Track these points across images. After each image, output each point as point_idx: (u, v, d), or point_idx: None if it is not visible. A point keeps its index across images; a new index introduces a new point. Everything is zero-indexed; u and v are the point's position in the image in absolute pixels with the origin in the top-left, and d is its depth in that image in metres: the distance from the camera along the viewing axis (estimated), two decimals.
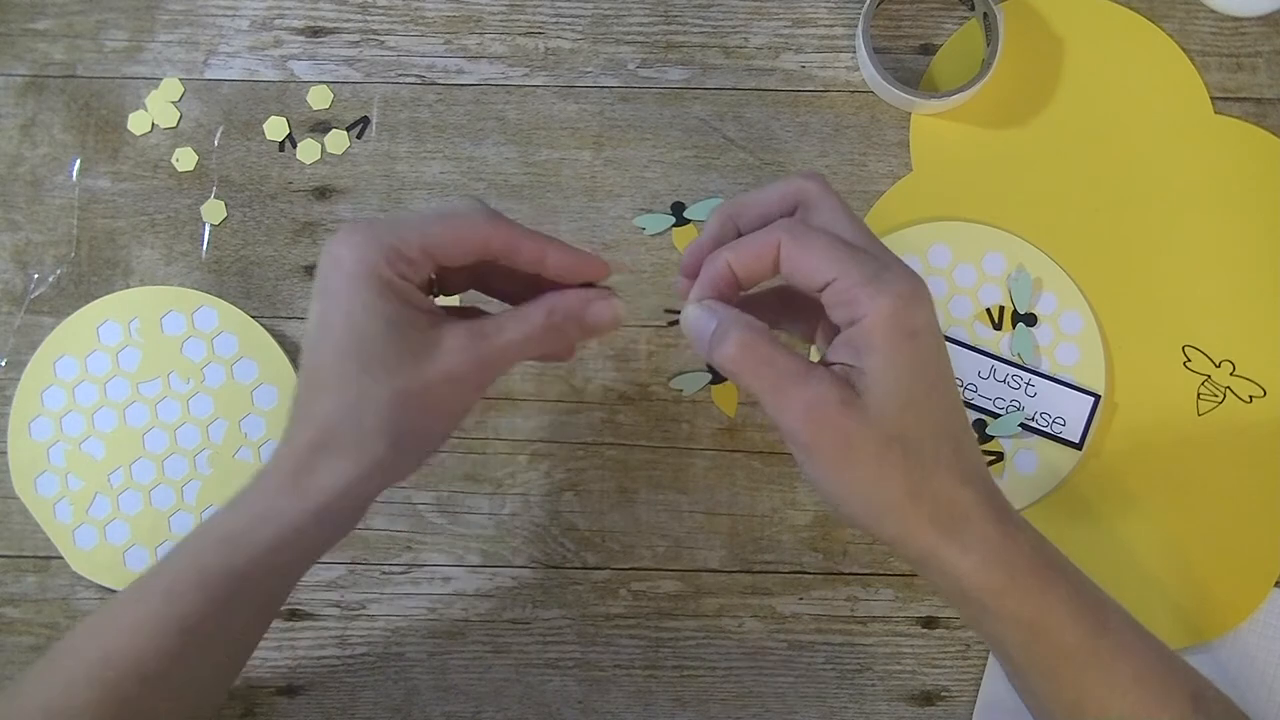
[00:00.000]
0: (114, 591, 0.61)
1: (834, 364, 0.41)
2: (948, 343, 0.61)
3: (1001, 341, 0.61)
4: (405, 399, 0.42)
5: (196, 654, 0.43)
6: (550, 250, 0.45)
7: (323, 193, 0.64)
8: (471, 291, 0.48)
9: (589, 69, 0.64)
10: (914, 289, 0.40)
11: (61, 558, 0.61)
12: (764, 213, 0.44)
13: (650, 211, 0.63)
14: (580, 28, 0.65)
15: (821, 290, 0.41)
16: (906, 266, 0.41)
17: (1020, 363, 0.61)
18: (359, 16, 0.65)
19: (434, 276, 0.46)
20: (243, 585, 0.43)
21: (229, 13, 0.65)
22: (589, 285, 0.46)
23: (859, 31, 0.62)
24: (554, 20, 0.65)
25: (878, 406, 0.40)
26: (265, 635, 0.60)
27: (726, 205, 0.45)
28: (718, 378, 0.62)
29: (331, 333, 0.42)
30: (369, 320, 0.42)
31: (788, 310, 0.47)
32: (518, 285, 0.46)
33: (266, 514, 0.42)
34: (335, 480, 0.42)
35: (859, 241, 0.42)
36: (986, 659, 0.61)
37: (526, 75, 0.64)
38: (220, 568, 0.42)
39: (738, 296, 0.44)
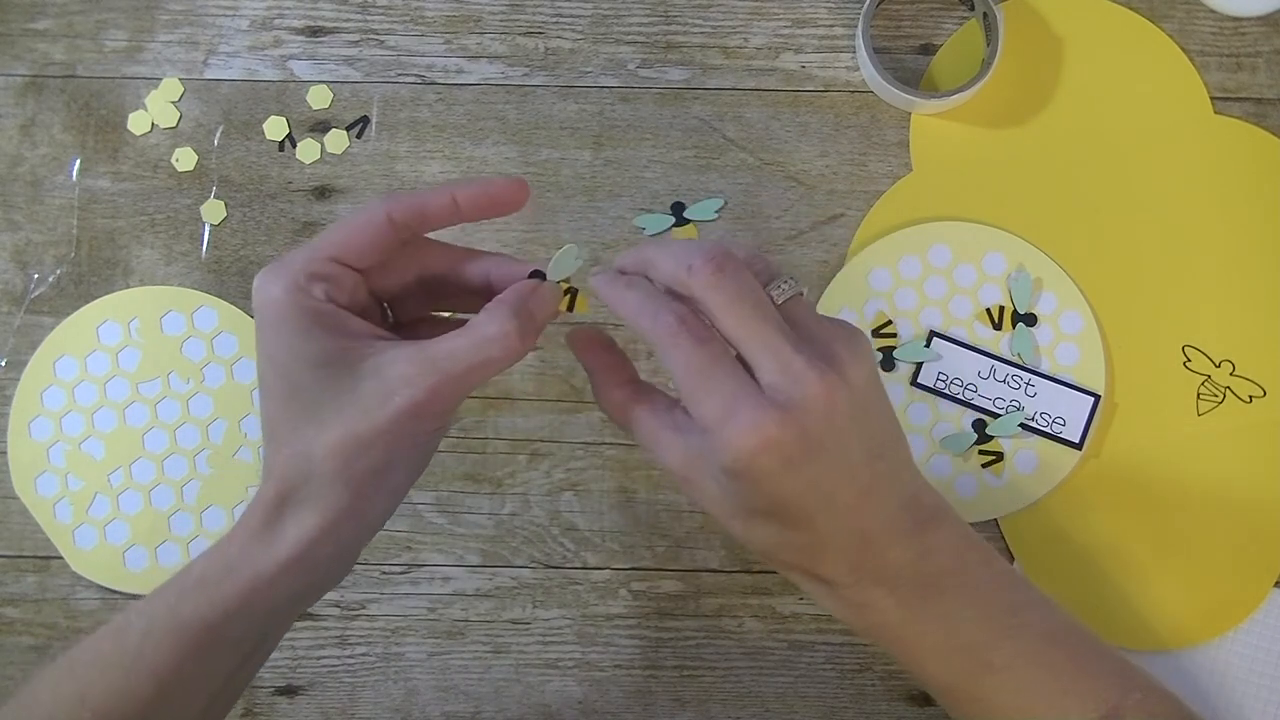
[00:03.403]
0: (114, 592, 0.61)
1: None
2: (949, 343, 0.61)
3: (1001, 341, 0.61)
4: (354, 443, 0.40)
5: (173, 700, 0.42)
6: (457, 192, 0.43)
7: (322, 192, 0.64)
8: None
9: (589, 69, 0.64)
10: (760, 441, 0.38)
11: (61, 558, 0.61)
12: (672, 275, 0.42)
13: (650, 211, 0.63)
14: (580, 28, 0.65)
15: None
16: (787, 381, 0.39)
17: (1020, 363, 0.61)
18: (359, 16, 0.65)
19: (384, 305, 0.45)
20: (217, 634, 0.41)
21: (229, 13, 0.65)
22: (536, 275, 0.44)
23: (859, 31, 0.62)
24: (554, 20, 0.65)
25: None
26: None
27: (639, 255, 0.43)
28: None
29: (269, 385, 0.41)
30: (298, 367, 0.40)
31: None
32: (472, 297, 0.45)
33: (239, 564, 0.41)
34: (302, 531, 0.41)
35: (742, 338, 0.40)
36: None
37: (526, 75, 0.64)
38: (194, 616, 0.41)
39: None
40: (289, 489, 0.41)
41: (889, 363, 0.61)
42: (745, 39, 0.64)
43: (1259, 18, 0.64)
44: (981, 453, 0.61)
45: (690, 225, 0.63)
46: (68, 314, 0.62)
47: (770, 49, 0.64)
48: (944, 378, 0.61)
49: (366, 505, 0.42)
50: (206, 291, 0.63)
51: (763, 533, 0.42)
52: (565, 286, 0.44)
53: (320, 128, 0.64)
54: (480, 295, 0.44)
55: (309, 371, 0.40)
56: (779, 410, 0.38)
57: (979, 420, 0.61)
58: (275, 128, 0.64)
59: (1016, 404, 0.61)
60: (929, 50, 0.64)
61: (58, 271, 0.63)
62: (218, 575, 0.41)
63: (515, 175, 0.44)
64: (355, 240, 0.42)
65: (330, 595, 0.61)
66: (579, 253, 0.44)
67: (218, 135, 0.64)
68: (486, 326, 0.41)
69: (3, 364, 0.63)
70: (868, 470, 0.41)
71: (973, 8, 0.63)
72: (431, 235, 0.46)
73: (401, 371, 0.40)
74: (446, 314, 0.49)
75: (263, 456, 0.42)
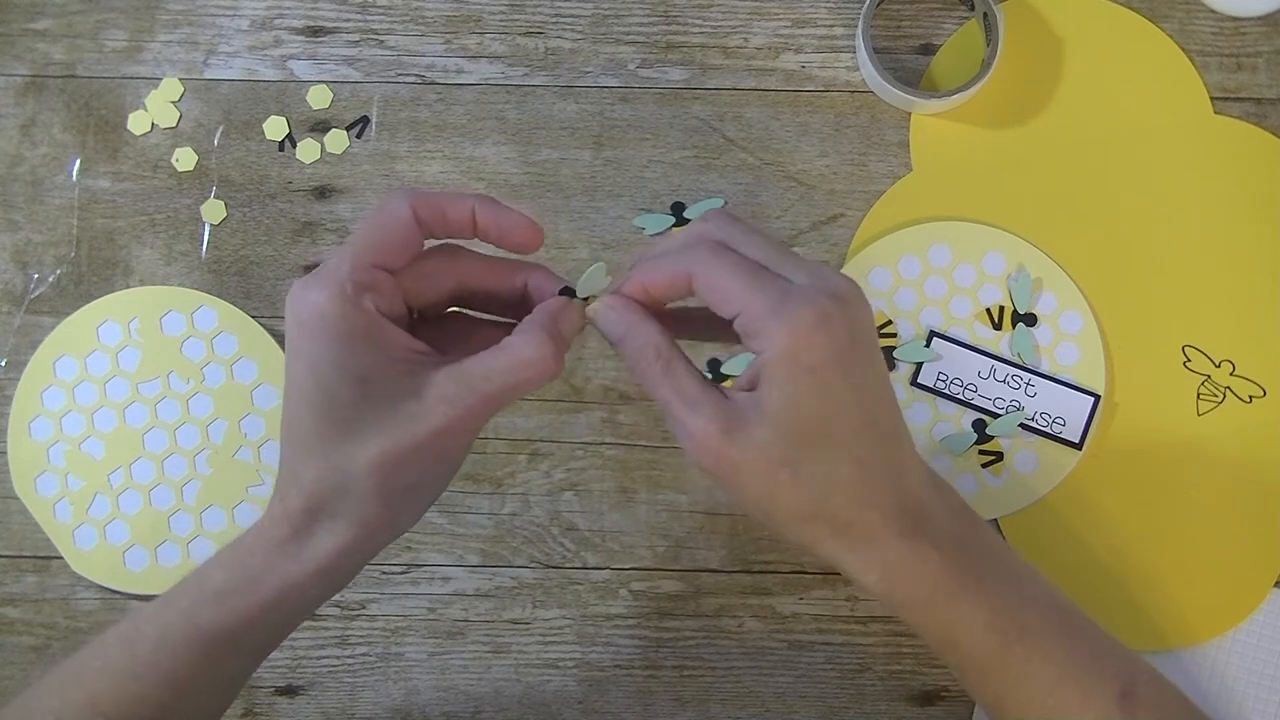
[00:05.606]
0: (114, 592, 0.61)
1: (739, 391, 0.42)
2: (949, 343, 0.61)
3: (1001, 341, 0.61)
4: (393, 461, 0.40)
5: (185, 700, 0.42)
6: (478, 211, 0.43)
7: (322, 192, 0.64)
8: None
9: (589, 69, 0.64)
10: (818, 317, 0.39)
11: (61, 558, 0.61)
12: (673, 275, 0.43)
13: (650, 211, 0.63)
14: (580, 28, 0.65)
15: (733, 321, 0.41)
16: (817, 287, 0.40)
17: (1020, 363, 0.61)
18: (359, 16, 0.65)
19: (409, 308, 0.45)
20: (237, 644, 0.42)
21: (229, 13, 0.65)
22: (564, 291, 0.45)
23: (859, 31, 0.62)
24: (554, 20, 0.65)
25: (766, 436, 0.40)
26: None
27: (632, 275, 0.44)
28: (719, 378, 0.62)
29: (305, 395, 0.41)
30: (340, 381, 0.40)
31: (715, 322, 0.47)
32: (505, 307, 0.45)
33: (264, 574, 0.41)
34: (335, 542, 0.41)
35: (769, 260, 0.41)
36: None
37: (526, 75, 0.64)
38: (214, 624, 0.41)
39: (658, 308, 0.44)
40: (320, 502, 0.40)
41: (889, 363, 0.61)
42: (745, 39, 0.64)
43: (1259, 18, 0.64)
44: (981, 453, 0.61)
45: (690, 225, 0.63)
46: (68, 314, 0.62)
47: (770, 49, 0.64)
48: (944, 378, 0.61)
49: (398, 518, 0.42)
50: (206, 291, 0.63)
51: (812, 471, 0.41)
52: (592, 304, 0.45)
53: (320, 128, 0.64)
54: (514, 305, 0.45)
55: (350, 385, 0.40)
56: (828, 297, 0.40)
57: (979, 420, 0.61)
58: (275, 128, 0.64)
59: (1016, 404, 0.61)
60: (929, 50, 0.64)
61: (58, 271, 0.63)
62: (241, 586, 0.41)
63: (532, 220, 0.44)
64: (388, 242, 0.42)
65: None
66: (608, 270, 0.44)
67: (218, 135, 0.64)
68: (523, 349, 0.41)
69: (3, 364, 0.63)
70: (893, 402, 0.43)
71: (973, 8, 0.63)
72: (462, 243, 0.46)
73: (440, 391, 0.40)
74: (474, 314, 0.48)
75: (283, 463, 0.42)
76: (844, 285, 0.41)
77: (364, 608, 0.61)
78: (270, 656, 0.60)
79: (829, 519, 0.41)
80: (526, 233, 0.44)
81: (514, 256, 0.45)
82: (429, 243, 0.44)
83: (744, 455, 0.40)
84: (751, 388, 0.41)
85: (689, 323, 0.45)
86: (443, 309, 0.47)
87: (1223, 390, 0.61)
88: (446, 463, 0.43)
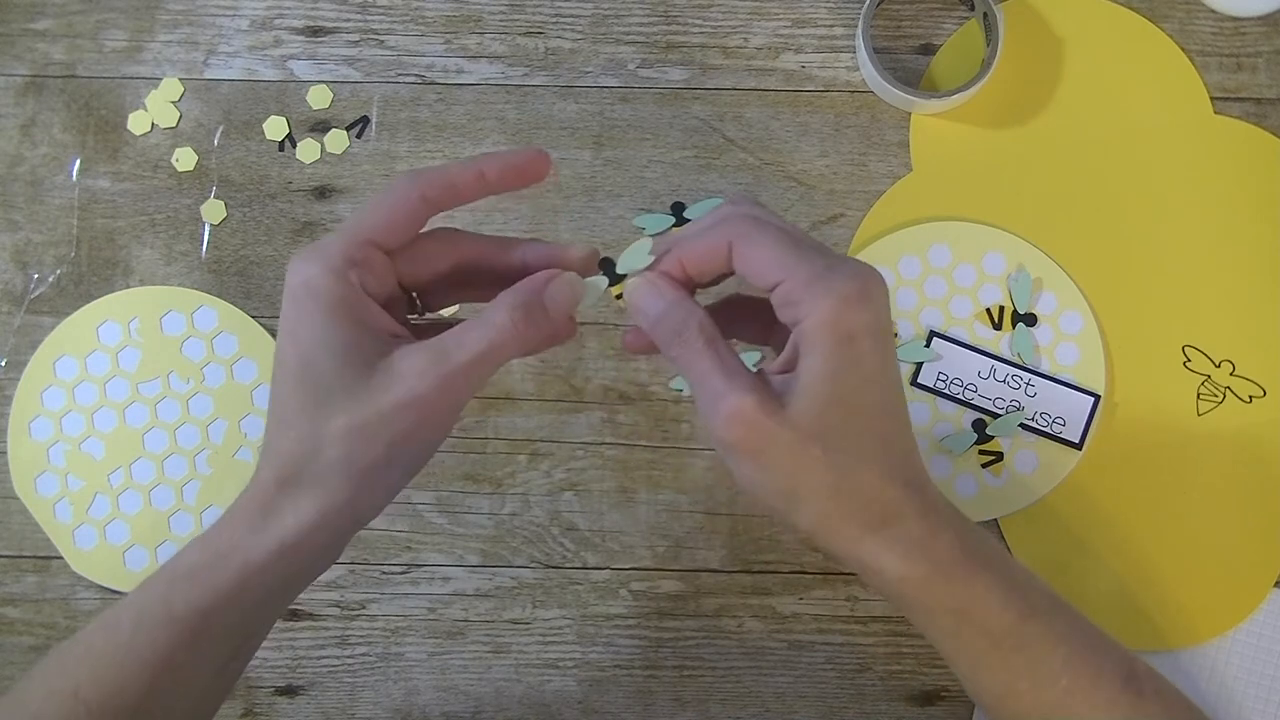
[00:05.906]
0: (114, 592, 0.61)
1: (774, 372, 0.41)
2: (949, 343, 0.61)
3: (1001, 341, 0.61)
4: (360, 433, 0.40)
5: (168, 689, 0.42)
6: (487, 166, 0.43)
7: (322, 192, 0.64)
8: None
9: (589, 69, 0.64)
10: (860, 289, 0.40)
11: (61, 558, 0.61)
12: (709, 251, 0.43)
13: (650, 211, 0.63)
14: (580, 28, 0.65)
15: (771, 290, 0.41)
16: (856, 264, 0.41)
17: (1020, 363, 0.61)
18: (359, 16, 0.65)
19: (414, 295, 0.45)
20: (209, 623, 0.41)
21: (229, 13, 0.65)
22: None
23: (859, 31, 0.62)
24: (554, 20, 0.65)
25: (802, 407, 0.40)
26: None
27: (670, 252, 0.43)
28: None
29: (287, 365, 0.41)
30: (319, 351, 0.41)
31: (740, 317, 0.47)
32: (501, 285, 0.45)
33: (230, 552, 0.41)
34: (298, 519, 0.41)
35: (806, 239, 0.42)
36: None
37: (526, 75, 0.64)
38: (185, 605, 0.41)
39: (690, 290, 0.44)
40: (289, 474, 0.41)
41: None
42: (745, 39, 0.64)
43: (1259, 18, 0.64)
44: (981, 453, 0.61)
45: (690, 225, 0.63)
46: (68, 314, 0.62)
47: (770, 49, 0.64)
48: (944, 378, 0.61)
49: (363, 499, 0.42)
50: (206, 291, 0.63)
51: (841, 446, 0.41)
52: (629, 280, 0.44)
53: (320, 128, 0.64)
54: (515, 279, 0.44)
55: (328, 359, 0.40)
56: (865, 272, 0.41)
57: (979, 420, 0.61)
58: (275, 128, 0.64)
59: (1016, 404, 0.61)
60: (929, 50, 0.64)
61: (58, 271, 0.63)
62: (210, 563, 0.41)
63: (535, 148, 0.44)
64: (391, 219, 0.42)
65: (330, 595, 0.61)
66: (651, 248, 0.43)
67: (218, 135, 0.64)
68: (494, 315, 0.42)
69: (3, 364, 0.63)
70: (902, 387, 0.43)
71: (973, 8, 0.63)
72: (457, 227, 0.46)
73: (412, 364, 0.41)
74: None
75: (264, 436, 0.42)
76: (870, 268, 0.41)
77: (364, 608, 0.61)
78: (270, 657, 0.61)
79: (851, 495, 0.41)
80: (534, 161, 0.44)
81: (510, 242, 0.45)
82: (431, 223, 0.44)
83: (779, 430, 0.40)
84: (787, 369, 0.41)
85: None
86: (445, 297, 0.47)
87: (1223, 390, 0.61)
88: (415, 442, 0.42)
